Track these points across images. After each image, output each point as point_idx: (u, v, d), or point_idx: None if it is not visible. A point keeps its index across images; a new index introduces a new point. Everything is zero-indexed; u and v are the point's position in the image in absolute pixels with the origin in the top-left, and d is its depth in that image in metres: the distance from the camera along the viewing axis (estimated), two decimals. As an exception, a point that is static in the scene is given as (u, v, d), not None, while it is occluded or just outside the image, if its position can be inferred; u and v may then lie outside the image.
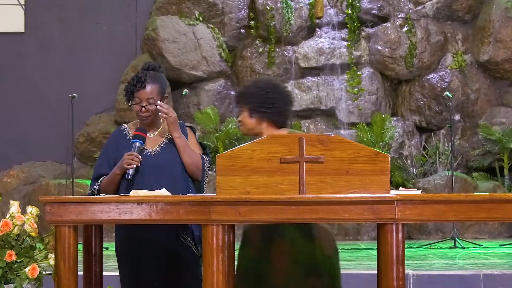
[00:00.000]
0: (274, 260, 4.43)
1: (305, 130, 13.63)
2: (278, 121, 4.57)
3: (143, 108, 4.59)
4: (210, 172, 4.74)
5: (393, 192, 3.78)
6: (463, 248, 10.10)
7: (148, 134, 4.67)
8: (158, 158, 4.61)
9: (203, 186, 4.64)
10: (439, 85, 13.93)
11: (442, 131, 13.74)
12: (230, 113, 13.75)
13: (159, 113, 4.55)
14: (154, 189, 4.13)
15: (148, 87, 4.58)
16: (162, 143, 4.67)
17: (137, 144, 4.56)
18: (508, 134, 13.06)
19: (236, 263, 4.23)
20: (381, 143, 13.03)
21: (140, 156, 4.52)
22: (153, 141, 4.67)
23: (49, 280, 4.00)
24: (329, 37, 14.20)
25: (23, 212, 4.04)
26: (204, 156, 4.66)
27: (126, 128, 4.76)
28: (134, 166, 4.49)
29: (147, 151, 4.62)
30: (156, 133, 4.70)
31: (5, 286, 3.88)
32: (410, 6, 14.23)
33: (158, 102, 4.57)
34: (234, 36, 14.36)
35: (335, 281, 4.51)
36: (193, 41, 13.97)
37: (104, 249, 4.46)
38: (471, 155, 13.50)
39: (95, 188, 4.61)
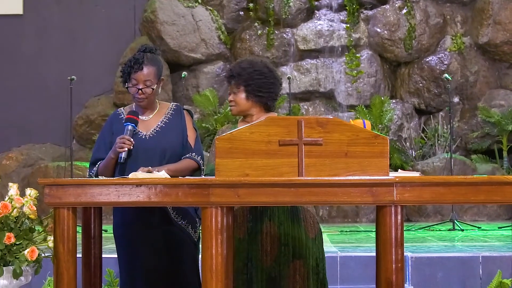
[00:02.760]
0: (263, 242, 4.46)
1: (304, 113, 13.62)
2: (271, 105, 4.63)
3: (140, 91, 4.55)
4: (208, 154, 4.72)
5: (392, 175, 3.77)
6: (462, 230, 10.12)
7: (143, 117, 4.63)
8: (152, 141, 4.57)
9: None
10: (438, 68, 13.92)
11: (441, 113, 13.74)
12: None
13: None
14: None
15: (146, 69, 4.54)
16: (157, 126, 4.62)
17: (129, 127, 4.52)
18: (507, 116, 13.05)
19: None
20: (380, 126, 13.02)
21: (132, 139, 4.49)
22: (148, 124, 4.63)
23: (48, 262, 4.01)
24: (328, 20, 14.17)
25: (22, 194, 4.04)
26: (196, 158, 4.60)
27: (122, 112, 4.72)
28: (126, 149, 4.45)
29: (141, 134, 4.58)
30: (152, 116, 4.66)
31: (4, 268, 3.88)
32: (409, -12, 14.19)
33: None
34: (233, 18, 14.32)
35: (320, 263, 4.53)
36: (192, 23, 13.93)
37: (103, 232, 4.46)
38: (470, 138, 13.50)
39: (92, 173, 4.59)
